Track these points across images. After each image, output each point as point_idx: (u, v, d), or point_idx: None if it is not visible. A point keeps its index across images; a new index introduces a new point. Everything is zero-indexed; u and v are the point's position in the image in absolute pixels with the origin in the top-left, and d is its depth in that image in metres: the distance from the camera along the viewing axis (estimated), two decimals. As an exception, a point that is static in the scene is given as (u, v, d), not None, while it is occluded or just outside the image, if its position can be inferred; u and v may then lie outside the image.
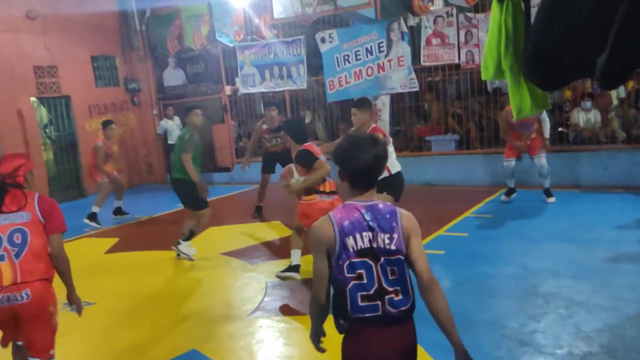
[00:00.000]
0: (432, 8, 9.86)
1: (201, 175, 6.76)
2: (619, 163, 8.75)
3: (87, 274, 6.60)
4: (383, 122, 10.34)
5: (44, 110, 11.73)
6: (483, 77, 2.83)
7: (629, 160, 8.69)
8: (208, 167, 13.13)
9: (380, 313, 2.20)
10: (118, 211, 9.66)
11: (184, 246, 6.74)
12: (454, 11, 9.56)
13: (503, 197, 8.33)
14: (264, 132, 8.77)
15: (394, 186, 5.64)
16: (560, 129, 9.52)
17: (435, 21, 9.72)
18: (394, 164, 5.74)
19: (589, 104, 9.22)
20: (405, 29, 9.96)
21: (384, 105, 10.35)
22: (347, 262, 2.21)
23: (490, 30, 2.60)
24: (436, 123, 10.59)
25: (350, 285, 2.21)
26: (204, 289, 5.90)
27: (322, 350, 2.45)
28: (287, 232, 7.61)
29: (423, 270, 2.24)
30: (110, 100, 12.70)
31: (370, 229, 2.23)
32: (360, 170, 2.28)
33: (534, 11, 2.49)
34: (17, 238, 3.22)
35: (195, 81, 12.94)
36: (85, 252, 7.68)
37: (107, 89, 12.72)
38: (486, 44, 2.67)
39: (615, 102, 9.86)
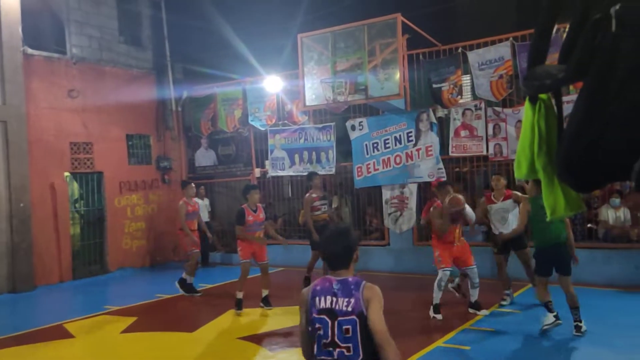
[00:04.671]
0: (460, 101, 10.03)
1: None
2: (652, 263, 8.45)
3: (101, 355, 6.48)
4: (410, 211, 10.31)
5: (76, 185, 12.02)
6: (516, 176, 2.80)
7: (662, 261, 8.39)
8: (232, 247, 13.10)
9: None
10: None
11: None
12: (483, 105, 9.72)
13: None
14: (315, 199, 9.13)
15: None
16: (589, 225, 9.33)
17: (464, 114, 9.87)
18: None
19: (617, 201, 9.06)
20: (434, 120, 10.15)
21: (411, 193, 10.34)
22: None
23: (523, 130, 2.59)
24: (463, 214, 10.47)
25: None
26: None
27: None
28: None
29: (378, 335, 2.75)
30: (142, 177, 12.97)
31: (333, 293, 2.87)
32: (328, 256, 3.06)
33: (568, 108, 2.48)
34: None
35: (225, 162, 13.20)
36: (102, 330, 7.57)
37: (139, 167, 13.02)
38: (519, 143, 2.66)
39: (645, 200, 9.68)
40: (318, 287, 2.92)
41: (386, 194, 10.66)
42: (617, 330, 6.29)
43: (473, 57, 9.66)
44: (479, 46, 9.67)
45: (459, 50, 9.83)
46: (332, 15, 11.57)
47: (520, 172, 2.71)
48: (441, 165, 10.05)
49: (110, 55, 12.48)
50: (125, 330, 7.38)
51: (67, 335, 7.27)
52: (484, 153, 9.72)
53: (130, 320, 7.86)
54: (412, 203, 10.36)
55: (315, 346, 2.84)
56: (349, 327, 2.77)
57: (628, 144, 2.01)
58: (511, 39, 9.33)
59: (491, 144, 9.64)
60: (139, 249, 12.78)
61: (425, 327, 7.01)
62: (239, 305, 7.96)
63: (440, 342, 6.13)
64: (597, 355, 5.58)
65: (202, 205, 12.50)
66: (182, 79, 13.73)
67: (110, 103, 12.24)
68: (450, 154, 10.10)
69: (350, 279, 2.91)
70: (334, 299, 2.84)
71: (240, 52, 12.74)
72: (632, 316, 6.87)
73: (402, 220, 10.42)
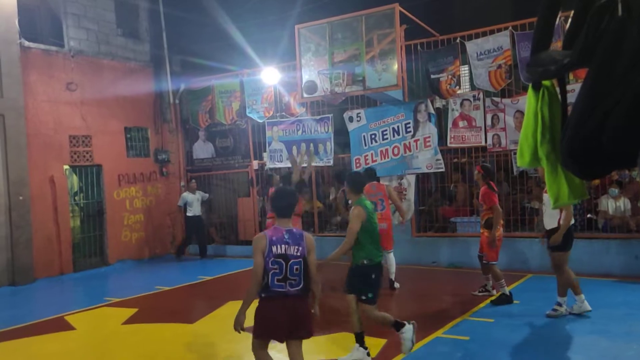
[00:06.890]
0: (459, 91, 10.02)
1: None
2: (652, 253, 8.48)
3: (102, 346, 6.49)
4: (408, 202, 10.31)
5: (75, 178, 12.00)
6: (519, 164, 2.79)
7: (662, 250, 8.42)
8: (230, 239, 13.12)
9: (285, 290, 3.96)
10: None
11: None
12: (481, 95, 9.72)
13: None
14: None
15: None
16: (588, 216, 9.35)
17: (462, 104, 9.87)
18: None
19: (616, 191, 9.08)
20: (432, 111, 10.14)
21: (409, 184, 10.35)
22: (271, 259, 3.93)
23: (526, 118, 2.59)
24: (462, 204, 10.51)
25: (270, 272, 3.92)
26: (221, 367, 5.71)
27: (239, 331, 4.08)
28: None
29: (312, 271, 4.05)
30: (140, 170, 12.95)
31: (286, 242, 3.97)
32: (279, 210, 4.15)
33: (570, 96, 2.48)
34: None
35: (223, 154, 13.18)
36: (104, 321, 7.58)
37: (137, 159, 12.99)
38: (522, 131, 2.65)
39: (644, 190, 9.70)
40: (274, 238, 3.97)
41: (385, 185, 10.66)
42: (616, 320, 6.33)
43: (471, 47, 9.65)
44: (477, 36, 9.65)
45: (457, 40, 9.82)
46: (330, 5, 11.53)
47: (523, 160, 2.71)
48: (439, 156, 10.06)
49: (108, 48, 12.42)
50: (126, 322, 7.39)
51: (68, 327, 7.28)
52: (483, 144, 9.72)
53: (131, 311, 7.87)
54: (411, 194, 10.37)
55: (270, 280, 3.90)
56: (297, 266, 3.97)
57: (632, 130, 2.01)
58: (510, 28, 9.31)
59: (490, 135, 9.65)
60: (138, 241, 12.79)
61: (425, 317, 7.03)
62: None
63: (439, 333, 6.15)
64: (596, 344, 5.61)
65: (194, 198, 12.53)
66: (180, 71, 13.68)
67: (109, 96, 12.20)
68: (449, 144, 10.10)
69: (294, 230, 4.07)
70: (287, 247, 3.96)
71: (237, 44, 12.69)
72: (631, 306, 6.90)
73: (401, 211, 10.42)
